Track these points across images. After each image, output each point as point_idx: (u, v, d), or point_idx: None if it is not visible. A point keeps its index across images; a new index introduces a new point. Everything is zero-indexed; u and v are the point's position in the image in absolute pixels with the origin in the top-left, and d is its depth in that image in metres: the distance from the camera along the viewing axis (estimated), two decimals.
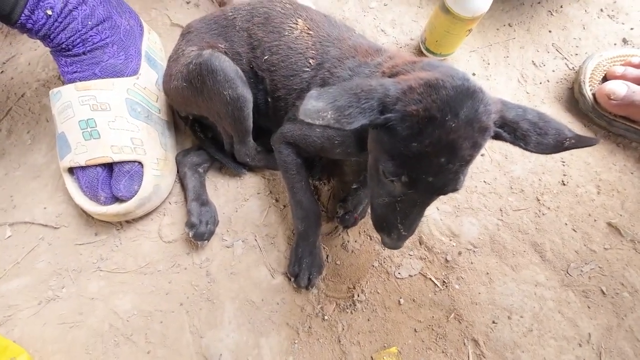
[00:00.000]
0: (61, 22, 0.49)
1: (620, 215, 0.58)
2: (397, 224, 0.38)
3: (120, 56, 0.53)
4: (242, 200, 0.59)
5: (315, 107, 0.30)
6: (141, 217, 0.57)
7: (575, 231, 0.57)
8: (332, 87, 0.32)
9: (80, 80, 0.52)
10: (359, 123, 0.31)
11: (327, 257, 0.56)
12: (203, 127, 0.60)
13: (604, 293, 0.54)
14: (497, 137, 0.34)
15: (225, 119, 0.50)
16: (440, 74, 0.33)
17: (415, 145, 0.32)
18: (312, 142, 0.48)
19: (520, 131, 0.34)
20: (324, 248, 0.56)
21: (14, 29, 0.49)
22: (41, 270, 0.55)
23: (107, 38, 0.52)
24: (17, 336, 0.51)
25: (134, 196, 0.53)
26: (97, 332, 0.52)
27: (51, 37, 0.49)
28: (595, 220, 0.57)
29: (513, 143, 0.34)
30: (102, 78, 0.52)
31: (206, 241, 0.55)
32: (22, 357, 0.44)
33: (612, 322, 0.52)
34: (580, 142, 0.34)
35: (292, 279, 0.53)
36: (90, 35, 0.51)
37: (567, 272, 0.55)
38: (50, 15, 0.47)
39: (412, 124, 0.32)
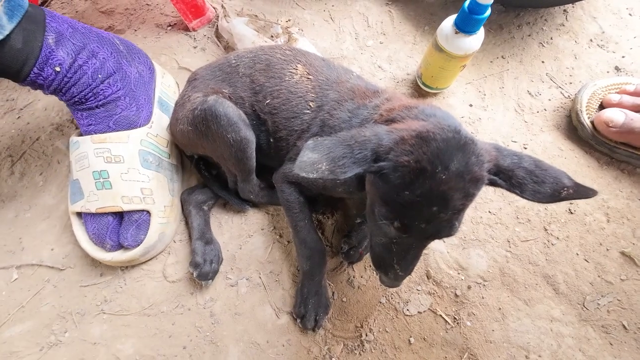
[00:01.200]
0: (71, 77, 0.50)
1: (633, 243, 0.56)
2: (393, 264, 0.38)
3: (132, 107, 0.55)
4: (246, 237, 0.59)
5: (311, 159, 0.31)
6: None
7: (587, 262, 0.55)
8: (327, 139, 0.33)
9: (95, 133, 0.54)
10: (352, 172, 0.32)
11: (332, 294, 0.55)
12: (208, 165, 0.61)
13: (625, 328, 0.51)
14: (492, 184, 0.35)
15: (229, 160, 0.51)
16: (432, 125, 0.34)
17: (407, 194, 0.33)
18: (313, 181, 0.48)
19: (515, 179, 0.34)
20: (329, 285, 0.55)
21: (23, 85, 0.50)
22: (45, 314, 0.55)
23: (118, 91, 0.54)
24: None
25: (139, 245, 0.53)
26: None
27: (63, 92, 0.51)
28: (607, 250, 0.56)
29: (509, 190, 0.35)
30: (117, 131, 0.54)
31: (210, 280, 0.54)
32: None
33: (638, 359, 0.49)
34: (578, 193, 0.34)
35: (299, 320, 0.51)
36: (102, 89, 0.52)
37: (584, 306, 0.52)
38: (59, 72, 0.48)
39: (403, 174, 0.33)
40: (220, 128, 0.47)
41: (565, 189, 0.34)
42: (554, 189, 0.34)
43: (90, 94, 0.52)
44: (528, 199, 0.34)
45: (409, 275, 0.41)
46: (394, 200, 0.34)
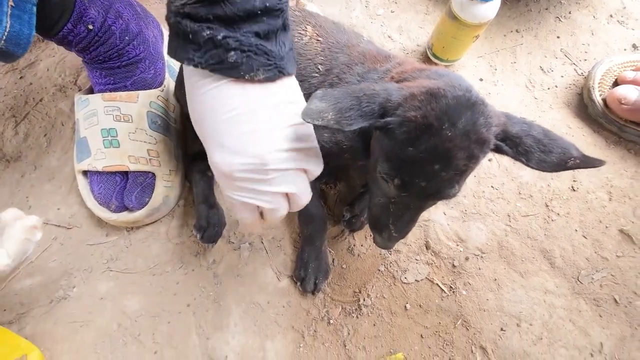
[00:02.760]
0: (101, 37, 0.50)
1: (632, 222, 0.57)
2: (389, 224, 0.38)
3: (150, 70, 0.56)
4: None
5: (318, 107, 0.31)
6: None
7: (585, 238, 0.56)
8: (336, 90, 0.33)
9: (109, 92, 0.53)
10: (358, 125, 0.32)
11: (333, 261, 0.56)
12: None
13: (616, 302, 0.52)
14: (498, 150, 0.34)
15: None
16: (444, 83, 0.34)
17: (410, 150, 0.32)
18: (320, 147, 0.48)
19: (522, 146, 0.34)
20: (330, 252, 0.56)
21: (50, 40, 0.49)
22: (53, 270, 0.56)
23: (140, 53, 0.54)
24: (29, 333, 0.52)
25: (144, 207, 0.54)
26: (106, 331, 0.52)
27: (89, 50, 0.51)
28: (606, 227, 0.56)
29: (515, 158, 0.34)
30: (132, 91, 0.54)
31: (213, 243, 0.56)
32: (33, 355, 0.45)
33: (625, 332, 0.51)
34: (585, 163, 0.33)
35: (299, 283, 0.53)
36: (127, 51, 0.52)
37: (578, 280, 0.54)
38: (91, 30, 0.48)
39: (409, 130, 0.32)
40: None
41: (572, 159, 0.33)
42: (561, 158, 0.33)
43: (115, 54, 0.52)
44: (533, 168, 0.34)
45: (403, 239, 0.42)
46: (397, 156, 0.34)
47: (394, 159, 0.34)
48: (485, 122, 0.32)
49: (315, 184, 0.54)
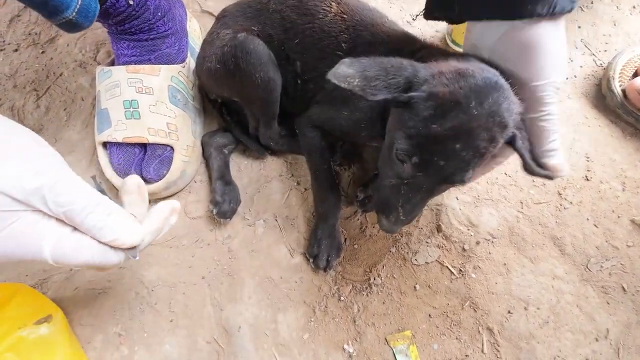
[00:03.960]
0: (137, 11, 0.52)
1: None
2: (398, 206, 0.38)
3: (175, 46, 0.57)
4: (265, 182, 0.61)
5: (346, 72, 0.32)
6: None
7: (597, 227, 0.56)
8: (364, 58, 0.33)
9: (134, 64, 0.55)
10: (382, 96, 0.32)
11: (345, 240, 0.57)
12: (229, 111, 0.62)
13: (624, 290, 0.53)
14: (512, 140, 0.35)
15: (254, 101, 0.52)
16: (473, 66, 0.34)
17: (434, 127, 0.33)
18: (338, 125, 0.49)
19: (528, 143, 0.37)
20: (342, 232, 0.57)
21: None
22: None
23: (169, 29, 0.56)
24: (51, 298, 0.54)
25: (161, 179, 0.55)
26: (124, 299, 0.54)
27: (123, 23, 0.52)
28: (618, 217, 0.57)
29: (519, 151, 0.36)
30: (154, 64, 0.55)
31: (228, 219, 0.57)
32: (58, 315, 0.47)
33: (632, 319, 0.52)
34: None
35: (311, 260, 0.54)
36: (157, 25, 0.54)
37: (587, 267, 0.54)
38: (131, 5, 0.50)
39: (436, 105, 0.33)
40: (249, 66, 0.47)
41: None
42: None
43: (146, 27, 0.54)
44: (525, 167, 0.37)
45: (409, 224, 0.42)
46: (418, 133, 0.34)
47: (415, 137, 0.34)
48: (509, 108, 0.33)
49: (330, 164, 0.55)
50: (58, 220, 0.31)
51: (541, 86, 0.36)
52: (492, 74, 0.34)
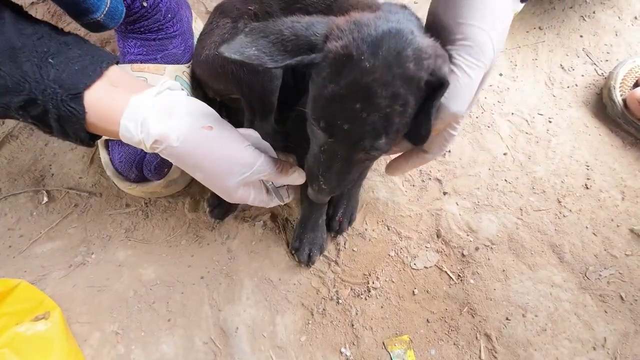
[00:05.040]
0: (149, 12, 0.53)
1: None
2: (319, 175, 0.36)
3: (181, 47, 0.58)
4: None
5: (242, 41, 0.29)
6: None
7: (595, 235, 0.57)
8: (264, 24, 0.31)
9: (140, 63, 0.55)
10: (283, 63, 0.30)
11: (344, 244, 0.57)
12: (227, 111, 0.62)
13: (622, 299, 0.53)
14: (431, 95, 0.30)
15: (253, 91, 0.50)
16: (379, 14, 0.30)
17: (332, 87, 0.30)
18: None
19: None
20: (343, 234, 0.57)
21: None
22: (73, 236, 0.58)
23: (177, 30, 0.57)
24: (49, 294, 0.54)
25: (162, 178, 0.56)
26: (122, 297, 0.54)
27: (135, 23, 0.54)
28: (617, 226, 0.57)
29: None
30: (160, 64, 0.56)
31: (221, 220, 0.57)
32: (55, 312, 0.47)
33: (629, 329, 0.52)
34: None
35: (293, 252, 0.55)
36: (166, 26, 0.55)
37: (585, 276, 0.54)
38: (145, 6, 0.52)
39: (331, 63, 0.30)
40: None
41: None
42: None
43: (156, 28, 0.55)
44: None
45: (336, 192, 0.39)
46: (320, 95, 0.31)
47: (318, 99, 0.32)
48: (414, 56, 0.29)
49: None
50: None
51: (465, 27, 0.31)
52: (394, 20, 0.29)
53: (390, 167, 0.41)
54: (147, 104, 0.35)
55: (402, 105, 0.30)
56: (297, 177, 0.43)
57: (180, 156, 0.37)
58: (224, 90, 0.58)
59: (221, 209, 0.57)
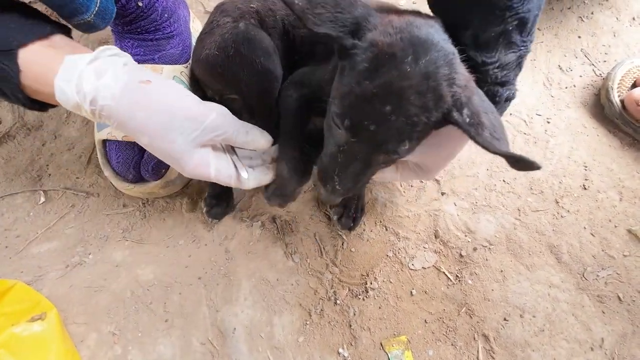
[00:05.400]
0: (145, 12, 0.53)
1: None
2: (334, 175, 0.35)
3: (179, 47, 0.58)
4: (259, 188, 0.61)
5: None
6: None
7: (593, 236, 0.57)
8: None
9: (138, 63, 0.55)
10: (325, 30, 0.30)
11: (342, 244, 0.57)
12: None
13: (620, 299, 0.53)
14: (448, 116, 0.31)
15: (252, 91, 0.49)
16: (428, 22, 0.31)
17: (366, 84, 0.30)
18: (315, 79, 0.46)
19: (477, 119, 0.31)
20: (339, 234, 0.57)
21: None
22: (70, 236, 0.58)
23: (174, 31, 0.56)
24: (46, 295, 0.53)
25: (160, 178, 0.55)
26: (119, 298, 0.54)
27: (132, 23, 0.53)
28: (615, 227, 0.57)
29: (463, 127, 0.31)
30: (157, 64, 0.55)
31: (217, 220, 0.57)
32: (52, 313, 0.47)
33: (627, 329, 0.52)
34: (515, 163, 0.31)
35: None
36: (164, 26, 0.55)
37: (583, 276, 0.54)
38: (140, 6, 0.51)
39: (372, 57, 0.30)
40: (250, 52, 0.45)
41: (514, 159, 0.31)
42: (509, 153, 0.31)
43: (153, 28, 0.54)
44: (478, 143, 0.31)
45: (349, 194, 0.38)
46: (351, 91, 0.31)
47: (347, 96, 0.31)
48: (448, 75, 0.30)
49: (303, 132, 0.49)
50: (214, 147, 0.40)
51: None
52: (441, 35, 0.30)
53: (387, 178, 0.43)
54: (83, 62, 0.33)
55: (427, 117, 0.31)
56: (260, 138, 0.40)
57: (120, 117, 0.34)
58: (222, 90, 0.57)
59: (219, 208, 0.56)
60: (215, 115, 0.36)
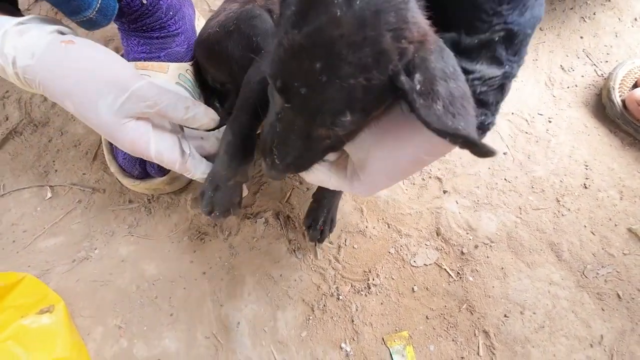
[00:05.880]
0: (150, 10, 0.53)
1: None
2: (272, 148, 0.31)
3: (184, 45, 0.58)
4: (266, 181, 0.62)
5: None
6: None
7: (594, 234, 0.57)
8: None
9: (143, 61, 0.56)
10: None
11: (345, 241, 0.58)
12: (222, 103, 0.62)
13: (619, 297, 0.54)
14: (393, 79, 0.24)
15: (241, 70, 0.47)
16: None
17: (293, 34, 0.24)
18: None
19: (428, 87, 0.24)
20: (342, 231, 0.58)
21: None
22: (77, 231, 0.59)
23: (179, 28, 0.57)
24: (53, 289, 0.54)
25: (165, 175, 0.56)
26: (125, 292, 0.55)
27: (136, 21, 0.54)
28: (615, 225, 0.58)
29: (406, 97, 0.25)
30: (163, 62, 0.56)
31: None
32: (59, 306, 0.47)
33: (626, 327, 0.52)
34: (471, 147, 0.24)
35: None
36: (169, 24, 0.56)
37: (583, 274, 0.55)
38: (144, 4, 0.52)
39: (301, 1, 0.24)
40: (249, 30, 0.45)
41: (462, 139, 0.24)
42: (456, 131, 0.24)
43: (158, 26, 0.55)
44: (419, 116, 0.24)
45: (291, 171, 0.33)
46: (280, 43, 0.26)
47: (278, 49, 0.26)
48: (394, 25, 0.23)
49: (254, 122, 0.44)
50: (155, 125, 0.37)
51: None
52: None
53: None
54: (10, 24, 0.32)
55: (367, 79, 0.24)
56: (203, 116, 0.36)
57: (42, 80, 0.32)
58: (217, 73, 0.57)
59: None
60: (145, 83, 0.33)
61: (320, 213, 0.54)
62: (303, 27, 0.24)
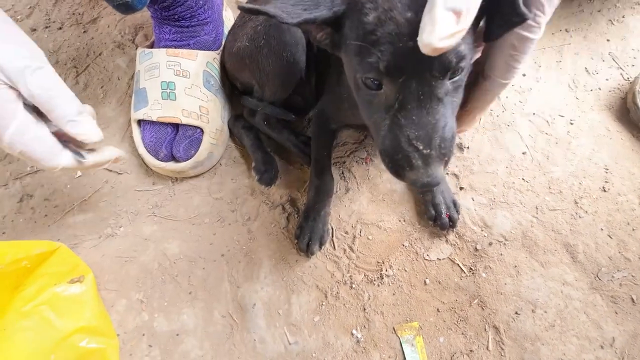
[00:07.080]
0: None
1: None
2: (412, 143, 0.27)
3: (212, 34, 0.61)
4: (284, 173, 0.63)
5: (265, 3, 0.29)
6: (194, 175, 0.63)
7: (610, 237, 0.57)
8: None
9: (174, 48, 0.58)
10: (302, 18, 0.27)
11: (360, 232, 0.59)
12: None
13: (633, 301, 0.54)
14: None
15: (271, 81, 0.52)
16: None
17: (372, 14, 0.26)
18: (335, 107, 0.50)
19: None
20: (358, 222, 0.59)
21: None
22: (104, 209, 0.62)
23: (208, 17, 0.59)
24: None
25: (190, 159, 0.58)
26: (148, 269, 0.57)
27: (169, 9, 0.56)
28: (633, 230, 0.57)
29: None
30: (192, 49, 0.58)
31: (269, 186, 0.59)
32: (89, 277, 0.50)
33: (638, 330, 0.52)
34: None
35: (295, 241, 0.57)
36: (199, 13, 0.58)
37: (597, 276, 0.55)
38: None
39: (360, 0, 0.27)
40: (279, 44, 0.47)
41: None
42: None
43: (188, 15, 0.57)
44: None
45: (449, 154, 0.29)
46: (365, 34, 0.26)
47: (363, 41, 0.27)
48: None
49: (331, 153, 0.57)
50: (26, 106, 0.33)
51: None
52: None
53: (462, 122, 0.37)
54: None
55: None
56: (90, 125, 0.36)
57: None
58: (247, 81, 0.60)
59: (269, 174, 0.59)
60: (50, 70, 0.31)
61: (438, 200, 0.56)
62: (377, 1, 0.26)
